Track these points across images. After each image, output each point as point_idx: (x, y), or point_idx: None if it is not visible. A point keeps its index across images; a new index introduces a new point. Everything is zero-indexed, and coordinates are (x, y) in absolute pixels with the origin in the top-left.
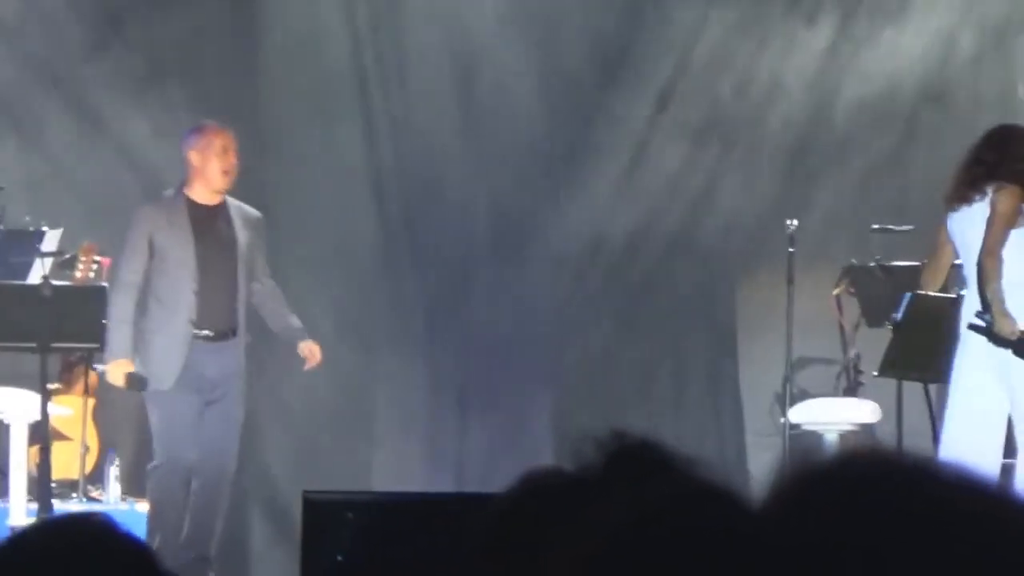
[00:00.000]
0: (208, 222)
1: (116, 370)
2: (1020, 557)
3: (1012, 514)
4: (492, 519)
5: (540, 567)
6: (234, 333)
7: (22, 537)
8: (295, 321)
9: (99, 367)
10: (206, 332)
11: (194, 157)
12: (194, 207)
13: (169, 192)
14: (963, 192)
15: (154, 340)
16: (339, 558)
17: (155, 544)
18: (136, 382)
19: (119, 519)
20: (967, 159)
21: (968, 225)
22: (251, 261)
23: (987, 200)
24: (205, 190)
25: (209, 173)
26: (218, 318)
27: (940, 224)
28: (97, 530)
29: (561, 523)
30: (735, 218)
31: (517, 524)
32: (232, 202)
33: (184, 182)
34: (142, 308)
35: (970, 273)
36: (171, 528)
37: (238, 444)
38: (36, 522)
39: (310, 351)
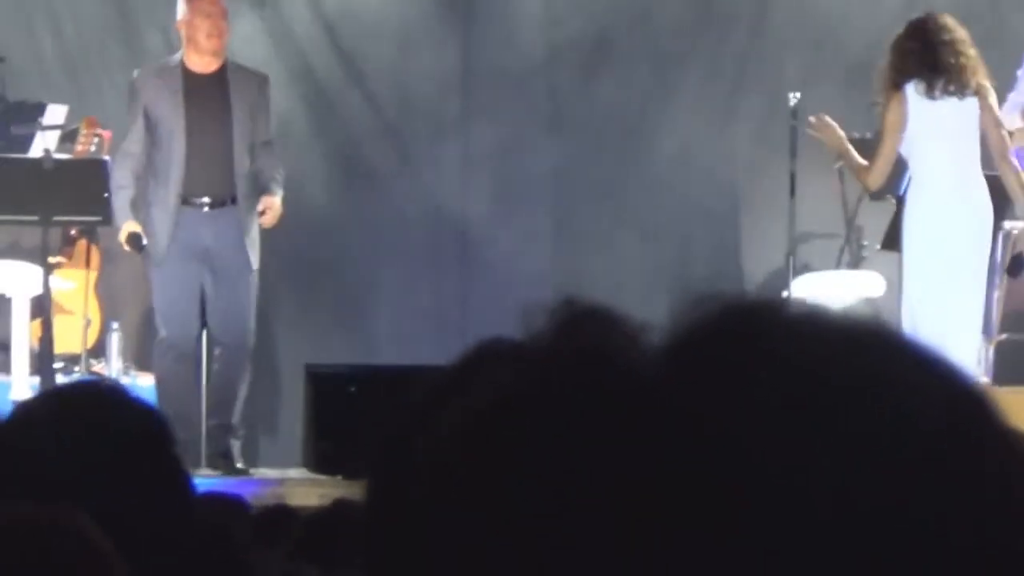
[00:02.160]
0: (202, 90)
1: (121, 233)
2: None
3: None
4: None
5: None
6: (232, 201)
7: (30, 405)
8: (274, 183)
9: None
10: (203, 200)
11: (181, 25)
12: (189, 76)
13: (170, 59)
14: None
15: (151, 212)
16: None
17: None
18: (134, 242)
19: None
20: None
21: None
22: (250, 125)
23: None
24: (198, 57)
25: (196, 38)
26: (213, 186)
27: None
28: (106, 396)
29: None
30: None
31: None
32: (233, 66)
33: (181, 50)
34: (143, 179)
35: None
36: (179, 399)
37: (254, 313)
38: (45, 390)
39: (268, 204)
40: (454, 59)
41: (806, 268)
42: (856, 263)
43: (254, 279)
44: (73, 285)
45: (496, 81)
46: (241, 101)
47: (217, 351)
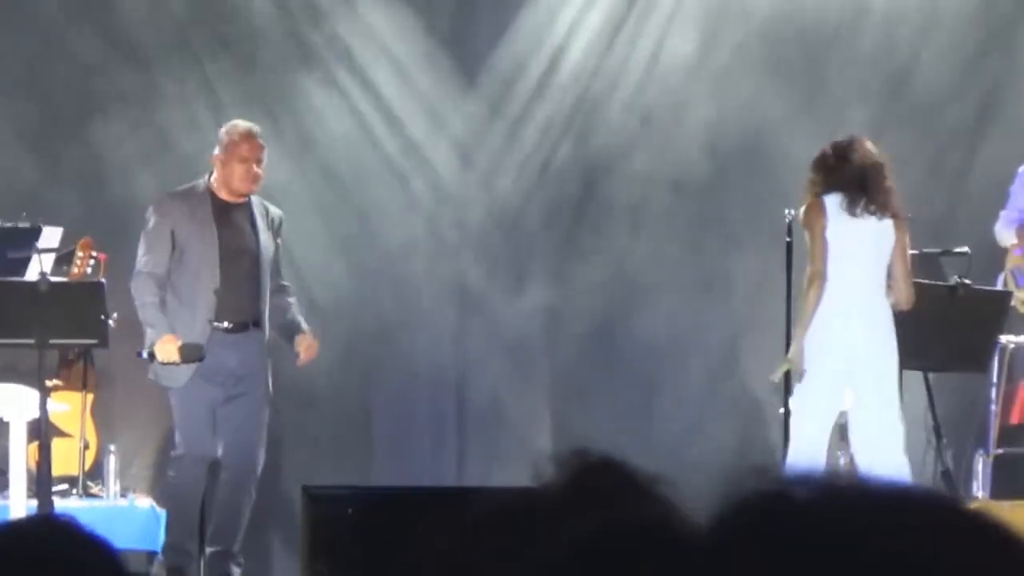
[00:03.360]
0: (231, 218)
1: (166, 347)
2: None
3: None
4: (456, 543)
5: None
6: (256, 324)
7: None
8: (302, 321)
9: (143, 353)
10: (226, 324)
11: (216, 160)
12: (217, 202)
13: (193, 184)
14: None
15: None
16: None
17: (173, 534)
18: (192, 351)
19: (119, 515)
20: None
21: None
22: (272, 258)
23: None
24: (227, 193)
25: (229, 180)
26: (240, 311)
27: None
28: (62, 532)
29: (517, 540)
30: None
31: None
32: (256, 197)
33: (209, 175)
34: (162, 301)
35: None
36: (190, 518)
37: (264, 440)
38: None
39: (308, 346)
40: None
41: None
42: None
43: (269, 405)
44: (70, 408)
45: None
46: (264, 230)
47: (223, 476)
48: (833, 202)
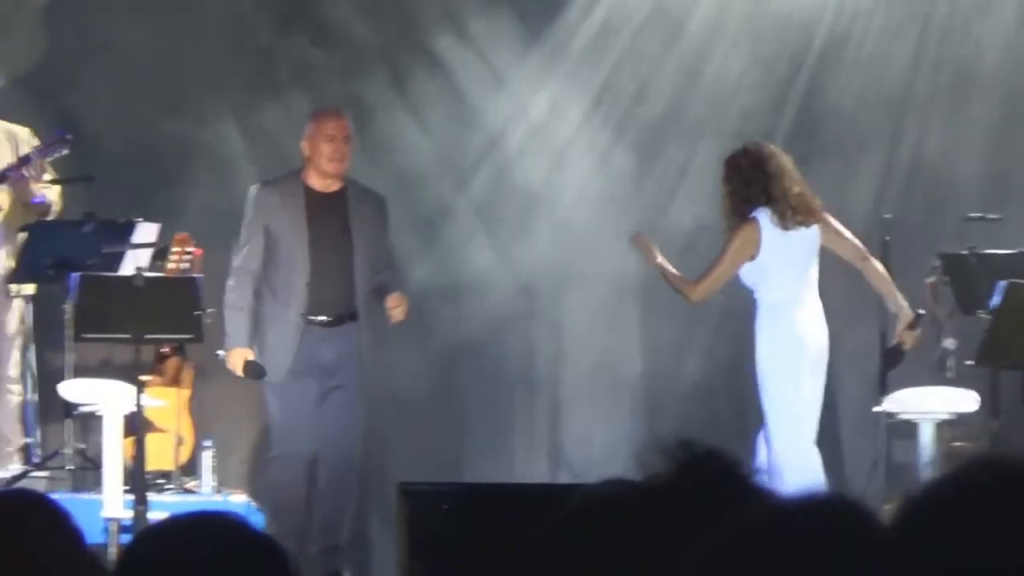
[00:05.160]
0: (324, 209)
1: (234, 358)
2: None
3: None
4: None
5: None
6: (352, 318)
7: (155, 532)
8: (395, 282)
9: (220, 353)
10: (322, 318)
11: (304, 145)
12: (310, 193)
13: (288, 174)
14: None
15: (268, 331)
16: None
17: (277, 531)
18: (253, 370)
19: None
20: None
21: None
22: (371, 246)
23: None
24: (319, 178)
25: (318, 161)
26: (334, 304)
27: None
28: (229, 527)
29: (629, 532)
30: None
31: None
32: (354, 186)
33: (301, 166)
34: (258, 296)
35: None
36: (291, 518)
37: (361, 433)
38: (167, 518)
39: (396, 303)
40: None
41: (898, 384)
42: (949, 379)
43: (365, 397)
44: (165, 403)
45: None
46: (361, 220)
47: (323, 470)
48: (764, 218)
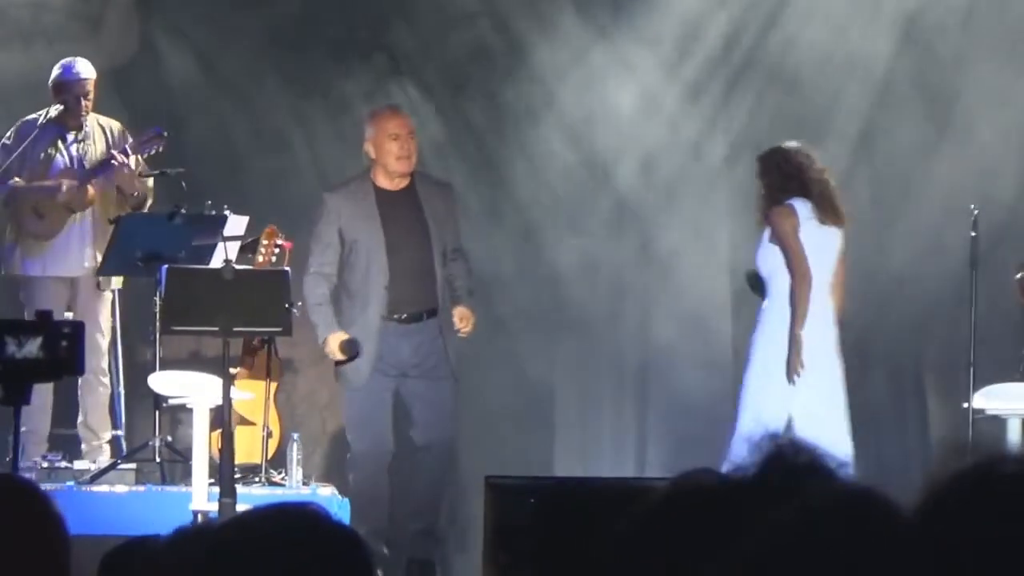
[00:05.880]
0: (396, 208)
1: (332, 343)
2: None
3: None
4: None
5: (698, 563)
6: (432, 314)
7: (242, 521)
8: (466, 293)
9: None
10: (402, 315)
11: (369, 147)
12: (380, 193)
13: (355, 177)
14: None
15: (348, 334)
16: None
17: (360, 527)
18: (350, 347)
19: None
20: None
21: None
22: (444, 237)
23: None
24: (387, 179)
25: (385, 161)
26: (413, 303)
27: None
28: (312, 518)
29: (714, 525)
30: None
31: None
32: (422, 179)
33: (369, 167)
34: (335, 300)
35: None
36: (372, 515)
37: (454, 420)
38: (254, 508)
39: (460, 315)
40: None
41: (987, 380)
42: None
43: (456, 385)
44: (253, 396)
45: None
46: (432, 212)
47: (419, 456)
48: (800, 205)
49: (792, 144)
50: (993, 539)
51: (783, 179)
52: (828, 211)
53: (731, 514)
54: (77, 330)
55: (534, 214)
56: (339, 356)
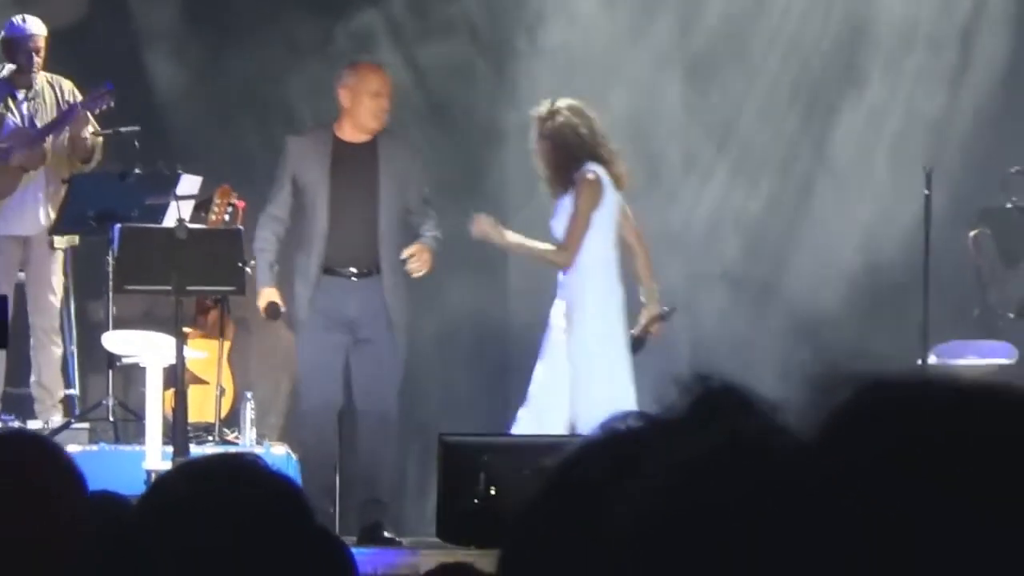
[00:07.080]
0: (352, 159)
1: (260, 298)
2: None
3: None
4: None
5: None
6: (376, 270)
7: (169, 478)
8: (429, 239)
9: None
10: (348, 269)
11: (344, 95)
12: (339, 145)
13: (321, 125)
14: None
15: (295, 281)
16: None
17: (309, 486)
18: (271, 311)
19: None
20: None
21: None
22: (399, 194)
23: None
24: (353, 129)
25: (358, 113)
26: (358, 256)
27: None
28: (246, 469)
29: (637, 465)
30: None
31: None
32: (386, 135)
33: (335, 118)
34: (287, 247)
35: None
36: (322, 472)
37: (396, 387)
38: (182, 463)
39: (414, 249)
40: None
41: (939, 337)
42: (990, 332)
43: (399, 350)
44: (206, 355)
45: None
46: (391, 170)
47: (361, 423)
48: (603, 174)
49: (574, 103)
50: (890, 451)
51: (578, 141)
52: (620, 173)
53: (656, 456)
54: (1, 304)
55: None
56: (263, 315)
